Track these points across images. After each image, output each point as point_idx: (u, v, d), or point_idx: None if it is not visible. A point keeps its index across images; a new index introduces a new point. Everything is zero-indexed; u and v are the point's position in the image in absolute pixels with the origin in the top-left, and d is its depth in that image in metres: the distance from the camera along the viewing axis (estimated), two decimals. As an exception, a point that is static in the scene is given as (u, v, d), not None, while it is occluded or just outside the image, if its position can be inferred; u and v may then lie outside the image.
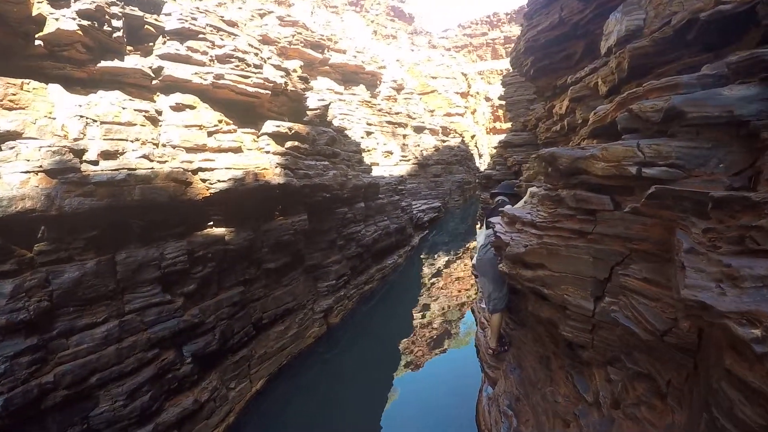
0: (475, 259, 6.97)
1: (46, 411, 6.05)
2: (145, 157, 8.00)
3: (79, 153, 7.12)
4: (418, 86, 47.89)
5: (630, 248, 3.55)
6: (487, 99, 63.76)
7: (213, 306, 8.95)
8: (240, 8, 25.50)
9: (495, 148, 18.65)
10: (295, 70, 13.12)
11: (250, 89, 10.33)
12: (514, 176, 15.21)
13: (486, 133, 60.60)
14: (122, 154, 7.78)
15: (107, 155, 7.52)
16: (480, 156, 53.05)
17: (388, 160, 31.80)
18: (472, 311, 10.75)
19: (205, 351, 8.44)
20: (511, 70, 21.87)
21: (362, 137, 29.30)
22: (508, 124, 24.46)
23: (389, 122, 35.44)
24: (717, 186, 2.72)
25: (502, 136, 17.70)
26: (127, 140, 7.99)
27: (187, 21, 9.87)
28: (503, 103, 47.51)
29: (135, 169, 7.59)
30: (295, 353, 11.35)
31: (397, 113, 37.16)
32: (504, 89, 21.65)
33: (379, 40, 59.26)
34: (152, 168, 7.87)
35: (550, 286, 4.30)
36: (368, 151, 28.85)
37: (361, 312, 14.96)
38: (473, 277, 13.97)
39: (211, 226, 9.25)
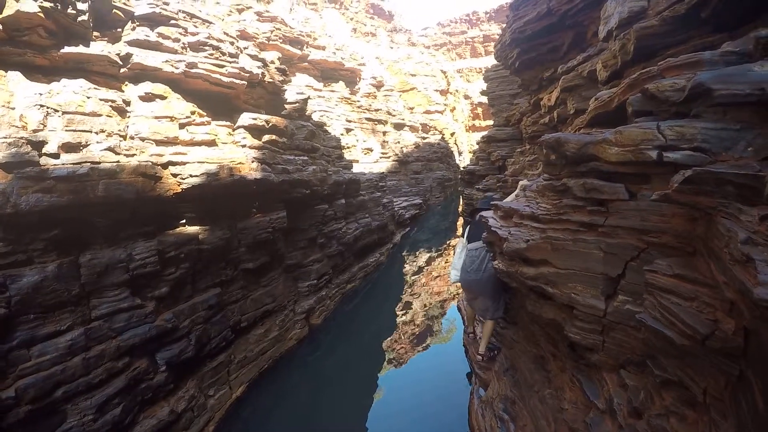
0: (455, 277, 6.37)
1: (8, 428, 5.58)
2: (110, 149, 7.47)
3: (38, 145, 6.62)
4: (397, 84, 47.61)
5: (647, 241, 3.26)
6: (467, 97, 64.14)
7: (187, 310, 8.47)
8: (218, 3, 25.02)
9: (478, 143, 18.52)
10: (272, 62, 12.60)
11: (225, 79, 9.83)
12: (497, 171, 15.06)
13: (465, 131, 60.93)
14: (86, 146, 7.25)
15: (69, 148, 6.99)
16: (460, 153, 53.22)
17: (368, 157, 31.45)
18: (458, 309, 10.49)
19: (181, 358, 7.97)
20: (490, 68, 21.75)
21: (342, 134, 28.87)
22: (488, 122, 24.25)
23: (369, 119, 35.13)
24: (747, 171, 2.37)
25: (481, 134, 17.59)
26: (91, 132, 7.45)
27: (158, 6, 9.34)
28: (483, 101, 47.92)
29: (99, 163, 7.07)
30: (277, 357, 10.90)
31: (376, 110, 36.84)
32: (486, 84, 21.49)
33: (358, 37, 58.91)
34: (118, 161, 7.36)
35: (555, 285, 3.97)
36: (348, 148, 28.41)
37: (344, 312, 14.62)
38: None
39: (183, 225, 8.77)
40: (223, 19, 13.25)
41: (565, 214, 3.94)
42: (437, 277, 19.28)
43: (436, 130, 47.31)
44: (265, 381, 10.23)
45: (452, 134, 51.97)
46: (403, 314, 15.22)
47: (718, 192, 2.39)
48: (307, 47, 30.48)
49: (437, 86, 53.52)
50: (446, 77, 56.94)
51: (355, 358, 12.00)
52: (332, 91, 32.59)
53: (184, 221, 8.79)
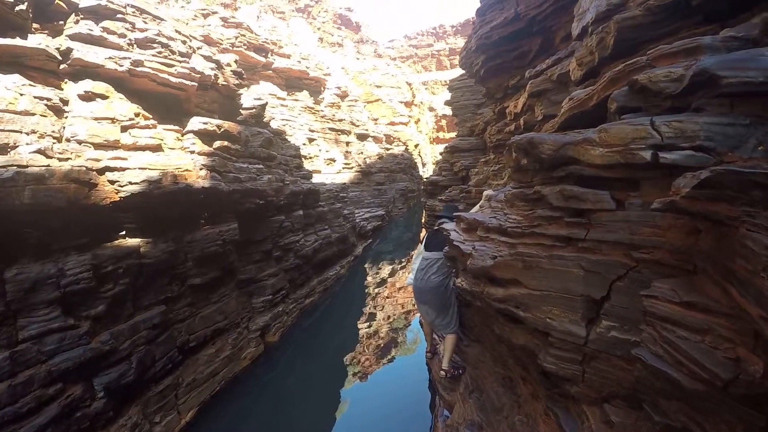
0: (410, 280, 6.17)
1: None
2: (41, 152, 6.89)
3: (-40, 145, 6.03)
4: (362, 94, 47.63)
5: (637, 258, 2.81)
6: (431, 109, 64.63)
7: (128, 330, 7.80)
8: (183, 7, 24.59)
9: (441, 153, 18.28)
10: (228, 64, 12.06)
11: (174, 80, 9.28)
12: (460, 182, 14.79)
13: (430, 143, 61.22)
14: (14, 148, 6.70)
15: None
16: (424, 165, 53.34)
17: (330, 167, 30.96)
18: (421, 325, 10.15)
19: (121, 382, 7.33)
20: (455, 78, 21.68)
21: (304, 144, 28.49)
22: (452, 134, 24.17)
23: (332, 129, 34.67)
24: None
25: (445, 146, 17.36)
26: (21, 132, 6.90)
27: None
28: (447, 112, 48.16)
29: (26, 167, 6.44)
30: (230, 378, 10.25)
31: (340, 120, 36.44)
32: (451, 94, 21.31)
33: (325, 47, 58.97)
34: (48, 166, 6.72)
35: (527, 308, 3.49)
36: (310, 158, 27.99)
37: (303, 328, 14.14)
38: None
39: (123, 237, 8.17)
40: (187, 23, 12.68)
41: (539, 227, 3.50)
42: (401, 288, 18.97)
43: (400, 141, 47.27)
44: (218, 404, 9.63)
45: (416, 146, 52.04)
46: (366, 327, 14.94)
47: (742, 198, 1.91)
48: (272, 55, 30.17)
49: (402, 98, 53.65)
50: (411, 89, 57.20)
51: (316, 375, 11.55)
52: (296, 100, 32.15)
53: (123, 233, 8.19)
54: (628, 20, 4.05)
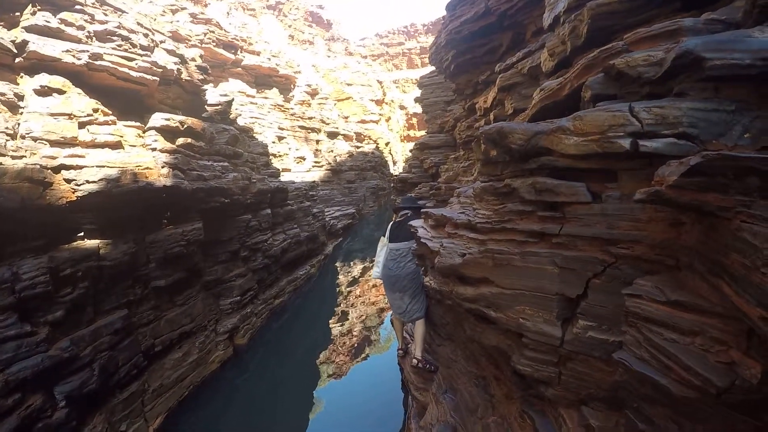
0: (378, 273, 6.20)
1: None
2: None
3: None
4: (333, 92, 47.44)
5: (615, 254, 2.67)
6: (402, 107, 64.73)
7: (89, 335, 7.50)
8: (151, 2, 23.99)
9: (411, 150, 18.23)
10: (193, 59, 11.74)
11: (135, 74, 8.95)
12: (430, 178, 14.77)
13: (400, 141, 61.29)
14: None
15: None
16: (395, 163, 53.38)
17: (300, 165, 30.73)
18: (392, 323, 10.10)
19: (83, 390, 7.02)
20: (425, 75, 21.66)
21: (274, 142, 28.24)
22: (423, 132, 24.19)
23: (302, 127, 34.44)
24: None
25: (415, 143, 17.33)
26: None
27: None
28: (418, 111, 48.19)
29: None
30: (198, 382, 10.02)
31: (310, 118, 36.23)
32: (421, 91, 21.24)
33: (295, 44, 58.44)
34: (0, 164, 6.36)
35: (499, 308, 3.34)
36: (280, 156, 27.69)
37: (273, 329, 13.95)
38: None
39: (81, 238, 7.84)
40: (155, 19, 12.28)
41: (510, 222, 3.34)
42: (373, 286, 18.84)
43: (370, 139, 47.23)
44: (186, 410, 9.40)
45: (387, 144, 52.08)
46: (339, 326, 14.82)
47: (736, 186, 1.75)
48: (241, 52, 29.94)
49: (373, 96, 53.65)
50: (382, 87, 57.21)
51: (288, 377, 11.36)
52: (265, 97, 31.93)
53: (81, 234, 7.87)
54: (603, 6, 3.89)
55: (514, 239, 3.30)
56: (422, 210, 5.62)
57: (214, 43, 26.95)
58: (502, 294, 3.32)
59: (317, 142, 36.05)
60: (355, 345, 13.21)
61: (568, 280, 2.89)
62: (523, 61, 7.27)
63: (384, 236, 6.29)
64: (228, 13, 39.82)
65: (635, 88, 2.66)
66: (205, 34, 26.17)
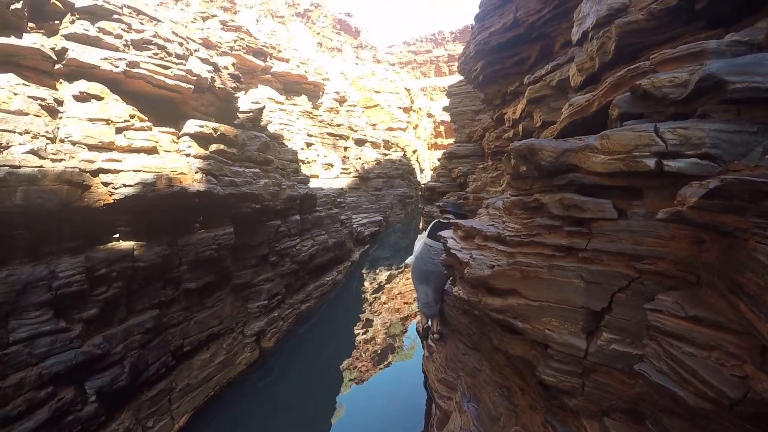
0: (412, 259, 6.83)
1: None
2: (33, 152, 6.81)
3: (-50, 145, 5.97)
4: (361, 99, 47.37)
5: (639, 269, 2.72)
6: (430, 115, 64.48)
7: (121, 333, 7.71)
8: (182, 10, 24.57)
9: (439, 159, 18.20)
10: (226, 67, 11.99)
11: (170, 81, 9.22)
12: (459, 188, 14.73)
13: (428, 149, 60.99)
14: (7, 148, 6.61)
15: None
16: (422, 171, 53.07)
17: (328, 172, 30.81)
18: (417, 331, 10.06)
19: (113, 386, 7.22)
20: (454, 84, 21.61)
21: (302, 148, 28.33)
22: (450, 140, 24.10)
23: (330, 134, 34.54)
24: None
25: (443, 152, 17.29)
26: (14, 132, 6.81)
27: None
28: (445, 119, 48.03)
29: (19, 167, 6.36)
30: (224, 383, 10.16)
31: (338, 125, 36.30)
32: (449, 100, 21.20)
33: (324, 52, 58.85)
34: (41, 167, 6.63)
35: (525, 319, 3.40)
36: (308, 162, 27.86)
37: (299, 333, 14.02)
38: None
39: (116, 239, 8.07)
40: (186, 26, 12.61)
41: (538, 236, 3.41)
42: (398, 294, 18.88)
43: (398, 147, 47.04)
44: (212, 409, 9.52)
45: (414, 151, 51.83)
46: (363, 333, 14.80)
47: (752, 209, 1.82)
48: (270, 59, 30.17)
49: (401, 103, 53.47)
50: (410, 95, 57.08)
51: (312, 381, 11.44)
52: (294, 104, 32.06)
53: (117, 235, 8.10)
54: (630, 24, 3.97)
55: (542, 253, 3.36)
56: (452, 221, 5.76)
57: (244, 50, 27.26)
58: (529, 305, 3.38)
59: (345, 149, 36.05)
60: (379, 352, 13.19)
61: (593, 294, 2.95)
62: (552, 74, 7.27)
63: (425, 230, 6.79)
64: (257, 20, 40.39)
65: (661, 108, 2.73)
66: (235, 42, 26.53)
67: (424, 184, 19.02)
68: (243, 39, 27.16)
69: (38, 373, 6.19)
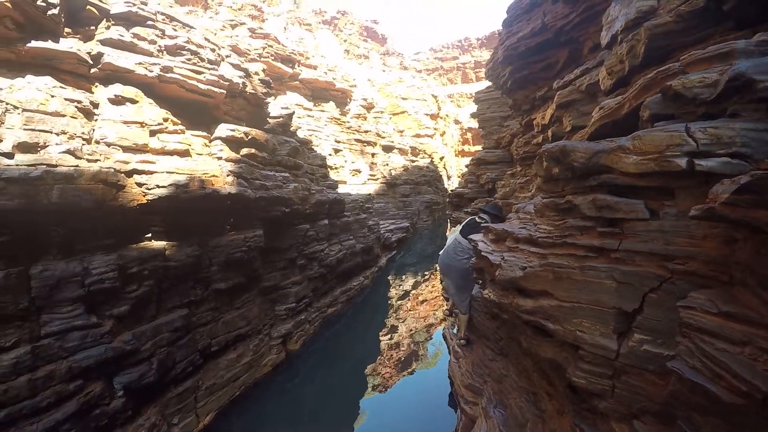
0: (442, 255, 6.91)
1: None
2: (70, 152, 7.00)
3: (-9, 143, 6.13)
4: (388, 106, 47.61)
5: (671, 269, 2.71)
6: (457, 122, 64.27)
7: (150, 331, 7.83)
8: (211, 18, 25.05)
9: (467, 166, 18.12)
10: (257, 73, 12.18)
11: (203, 86, 9.40)
12: (487, 194, 14.65)
13: (455, 156, 60.80)
14: (44, 147, 6.81)
15: (25, 148, 6.56)
16: (449, 178, 52.97)
17: (356, 178, 31.00)
18: (444, 337, 10.01)
19: (141, 383, 7.32)
20: (482, 90, 21.49)
21: (330, 154, 28.47)
22: (477, 147, 24.02)
23: (358, 140, 34.76)
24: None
25: (469, 160, 17.20)
26: (51, 132, 7.02)
27: (135, 5, 9.01)
28: (473, 126, 47.87)
29: (56, 166, 6.55)
30: (250, 384, 10.18)
31: (366, 131, 36.55)
32: (477, 106, 21.07)
33: (351, 59, 59.32)
34: (77, 166, 6.82)
35: (557, 320, 3.41)
36: (336, 168, 28.01)
37: (325, 337, 13.99)
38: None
39: (149, 239, 8.21)
40: (215, 34, 12.86)
41: (571, 237, 3.41)
42: (423, 301, 18.72)
43: (425, 153, 47.08)
44: (237, 409, 9.55)
45: (441, 158, 51.81)
46: (388, 339, 14.71)
47: None
48: (298, 66, 30.39)
49: (428, 110, 53.60)
50: (437, 102, 57.13)
51: (336, 384, 11.43)
52: (322, 110, 32.30)
53: (149, 235, 8.24)
54: (659, 27, 3.95)
55: (574, 254, 3.37)
56: (483, 225, 5.86)
57: (272, 57, 27.51)
58: (560, 307, 3.38)
59: (373, 155, 36.15)
60: (403, 359, 13.10)
61: (625, 295, 2.95)
62: (581, 78, 7.23)
63: (458, 225, 7.03)
64: (285, 28, 40.89)
65: (692, 108, 2.75)
66: (264, 49, 26.77)
67: (451, 191, 18.93)
68: (271, 46, 27.45)
69: (68, 366, 6.32)
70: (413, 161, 42.47)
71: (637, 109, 3.31)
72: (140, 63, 8.66)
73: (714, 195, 2.08)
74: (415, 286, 21.44)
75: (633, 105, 3.45)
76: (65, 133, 7.16)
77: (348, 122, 34.64)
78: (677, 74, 2.98)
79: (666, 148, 2.59)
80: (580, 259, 3.27)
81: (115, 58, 8.38)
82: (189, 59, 9.45)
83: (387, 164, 37.18)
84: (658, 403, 2.79)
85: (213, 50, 10.22)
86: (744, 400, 1.98)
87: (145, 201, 7.67)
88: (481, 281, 6.06)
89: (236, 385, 9.74)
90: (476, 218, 6.76)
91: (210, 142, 9.99)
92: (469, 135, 62.38)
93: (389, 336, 14.95)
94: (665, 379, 2.66)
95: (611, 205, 3.04)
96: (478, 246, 4.96)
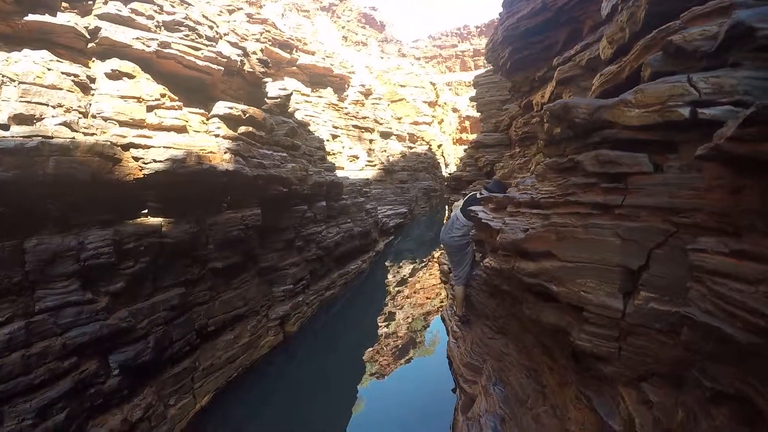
0: (442, 230, 7.02)
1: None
2: (66, 125, 6.90)
3: (-15, 115, 6.06)
4: (386, 93, 47.35)
5: (677, 223, 2.68)
6: (455, 110, 64.15)
7: (147, 309, 7.76)
8: (208, 2, 24.75)
9: (465, 150, 18.05)
10: (254, 53, 12.07)
11: (200, 63, 9.30)
12: (485, 177, 14.63)
13: (452, 144, 60.66)
14: (40, 120, 6.71)
15: (21, 120, 6.49)
16: (446, 165, 52.80)
17: (353, 164, 30.88)
18: (443, 319, 9.99)
19: (137, 361, 7.25)
20: (481, 73, 21.42)
21: (328, 140, 28.27)
22: (474, 136, 23.97)
23: (356, 126, 34.72)
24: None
25: (470, 141, 17.14)
26: (48, 105, 6.91)
27: None
28: (471, 114, 47.72)
29: (51, 137, 6.47)
30: (247, 365, 10.18)
31: (364, 118, 36.46)
32: (476, 90, 21.00)
33: (349, 46, 58.86)
34: (72, 138, 6.72)
35: (560, 282, 3.34)
36: (333, 154, 27.88)
37: (323, 320, 14.05)
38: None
39: (145, 215, 8.13)
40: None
41: (573, 195, 3.35)
42: (421, 288, 18.76)
43: (423, 140, 47.07)
44: (234, 391, 9.54)
45: (439, 146, 51.72)
46: (385, 326, 14.71)
47: None
48: (296, 51, 30.24)
49: (426, 98, 53.44)
50: (435, 89, 56.91)
51: (334, 369, 11.46)
52: (320, 96, 32.24)
53: (146, 211, 8.15)
54: None
55: (577, 212, 3.31)
56: (481, 197, 5.80)
57: (270, 43, 27.21)
58: (564, 267, 3.32)
59: (370, 141, 36.15)
60: (401, 345, 13.12)
61: (630, 252, 2.90)
62: (581, 53, 7.23)
63: (461, 201, 7.03)
64: (282, 14, 40.54)
65: (692, 62, 2.74)
66: (261, 34, 26.43)
67: (450, 173, 18.89)
68: (269, 31, 27.18)
69: (62, 343, 6.23)
70: (411, 148, 42.43)
71: (638, 71, 3.30)
72: (138, 38, 8.54)
73: (719, 135, 2.05)
74: (412, 272, 21.50)
75: (634, 67, 3.43)
76: (61, 106, 7.06)
77: (346, 108, 34.58)
78: (678, 31, 2.97)
79: (669, 98, 2.58)
80: (584, 217, 3.23)
81: (112, 32, 8.26)
82: (187, 35, 9.35)
83: (385, 151, 37.15)
84: (666, 363, 2.75)
85: (211, 27, 10.12)
86: (761, 338, 1.93)
87: (142, 175, 7.58)
88: (481, 254, 6.02)
89: (234, 366, 9.71)
90: (478, 194, 6.69)
91: (207, 119, 9.89)
92: (467, 123, 62.27)
93: (386, 323, 14.99)
94: (673, 337, 2.63)
95: (614, 160, 2.98)
96: (478, 215, 4.90)
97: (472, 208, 5.67)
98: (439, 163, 49.20)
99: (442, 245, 7.30)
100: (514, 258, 3.97)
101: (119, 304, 7.33)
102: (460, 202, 6.88)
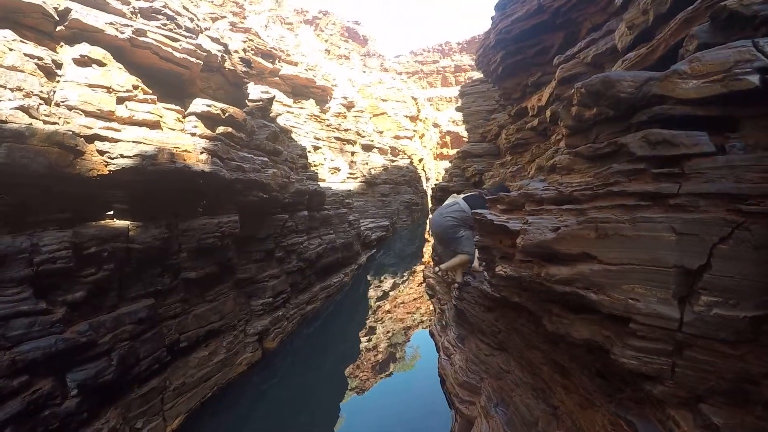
0: (435, 213, 6.91)
1: None
2: (23, 109, 6.24)
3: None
4: (368, 107, 47.68)
5: (744, 212, 2.22)
6: (436, 125, 65.19)
7: (110, 322, 7.06)
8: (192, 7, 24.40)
9: (451, 161, 17.94)
10: (236, 51, 11.46)
11: (178, 55, 8.84)
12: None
13: (434, 159, 61.22)
14: None
15: None
16: (427, 180, 53.52)
17: (335, 176, 30.69)
18: (431, 335, 9.54)
19: (98, 380, 6.53)
20: (467, 83, 21.37)
21: (309, 151, 28.06)
22: (455, 151, 23.88)
23: (338, 138, 34.62)
24: None
25: (450, 163, 17.03)
26: (5, 87, 6.29)
27: None
28: (452, 129, 48.06)
29: (5, 122, 5.83)
30: (223, 384, 9.60)
31: (346, 130, 36.47)
32: (462, 100, 20.97)
33: (332, 59, 59.08)
34: (29, 125, 6.09)
35: (601, 288, 2.76)
36: (315, 166, 27.62)
37: (303, 336, 13.58)
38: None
39: (110, 217, 7.52)
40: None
41: (617, 185, 2.80)
42: (401, 303, 18.46)
43: (405, 154, 47.46)
44: (209, 412, 8.97)
45: (420, 160, 52.20)
46: (366, 341, 14.34)
47: None
48: (279, 62, 30.02)
49: (407, 112, 53.97)
50: (417, 104, 57.51)
51: (315, 386, 10.94)
52: (302, 107, 32.08)
53: (111, 213, 7.54)
54: None
55: (622, 204, 2.77)
56: (489, 197, 5.20)
57: (253, 52, 26.86)
58: (606, 271, 2.76)
59: (352, 153, 36.11)
60: (384, 360, 12.73)
61: (688, 249, 2.41)
62: (586, 50, 7.00)
63: (461, 193, 6.82)
64: (266, 26, 40.33)
65: (749, 31, 2.45)
66: (245, 42, 26.10)
67: (436, 184, 18.64)
68: (252, 40, 26.92)
69: (11, 358, 5.50)
70: (393, 161, 42.59)
71: (675, 50, 2.95)
72: (111, 23, 8.03)
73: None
74: (394, 287, 21.25)
75: (670, 44, 3.08)
76: (21, 90, 6.45)
77: (328, 120, 34.48)
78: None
79: (734, 64, 2.23)
80: (630, 209, 2.69)
81: (83, 15, 7.74)
82: (165, 24, 8.89)
83: (366, 163, 37.13)
84: (728, 380, 2.30)
85: (191, 20, 9.61)
86: None
87: (107, 171, 6.99)
88: (485, 262, 5.44)
89: (208, 385, 9.13)
90: (479, 192, 6.59)
91: (184, 117, 9.38)
92: (447, 138, 63.27)
93: (368, 337, 14.64)
94: (739, 348, 2.20)
95: (669, 140, 2.52)
96: (487, 217, 4.30)
97: (478, 211, 5.11)
98: (420, 177, 49.46)
99: (431, 229, 7.24)
100: (537, 263, 3.39)
101: (78, 316, 6.65)
102: (460, 197, 6.53)
